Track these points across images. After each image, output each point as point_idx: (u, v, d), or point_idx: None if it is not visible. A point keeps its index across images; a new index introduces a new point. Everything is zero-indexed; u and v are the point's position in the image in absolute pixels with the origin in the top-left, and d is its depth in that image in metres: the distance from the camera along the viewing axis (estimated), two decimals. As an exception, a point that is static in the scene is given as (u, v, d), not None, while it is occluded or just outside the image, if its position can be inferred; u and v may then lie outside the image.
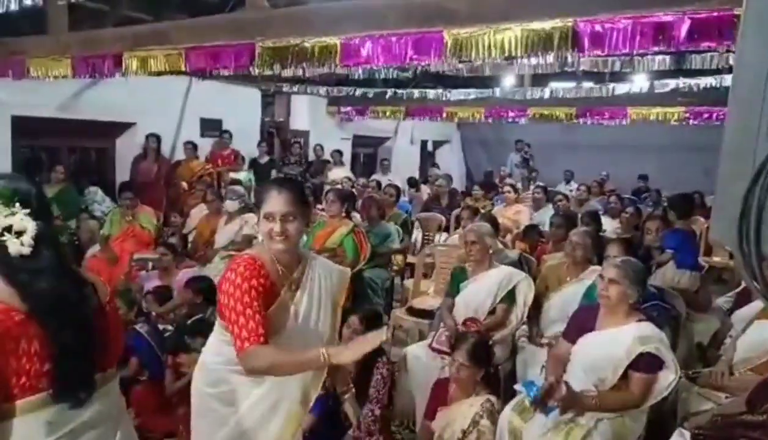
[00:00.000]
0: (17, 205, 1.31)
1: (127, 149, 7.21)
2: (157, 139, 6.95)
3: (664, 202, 7.06)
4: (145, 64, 4.32)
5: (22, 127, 5.99)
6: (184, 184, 6.98)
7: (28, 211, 1.31)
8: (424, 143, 13.14)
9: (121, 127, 7.12)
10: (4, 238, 1.28)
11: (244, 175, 7.63)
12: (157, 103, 7.02)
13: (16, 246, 1.28)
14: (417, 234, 6.49)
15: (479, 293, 3.54)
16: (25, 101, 5.74)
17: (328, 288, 2.03)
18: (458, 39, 3.13)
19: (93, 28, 4.92)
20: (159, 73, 4.47)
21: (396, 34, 3.34)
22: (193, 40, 4.11)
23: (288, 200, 1.85)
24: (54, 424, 1.29)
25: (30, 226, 1.31)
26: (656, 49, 2.86)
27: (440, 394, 2.90)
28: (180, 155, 7.38)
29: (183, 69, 4.27)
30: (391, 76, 7.06)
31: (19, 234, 1.29)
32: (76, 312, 1.32)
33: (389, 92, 8.62)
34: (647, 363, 2.46)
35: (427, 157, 13.18)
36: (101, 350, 1.38)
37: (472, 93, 8.39)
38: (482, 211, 6.05)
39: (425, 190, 8.96)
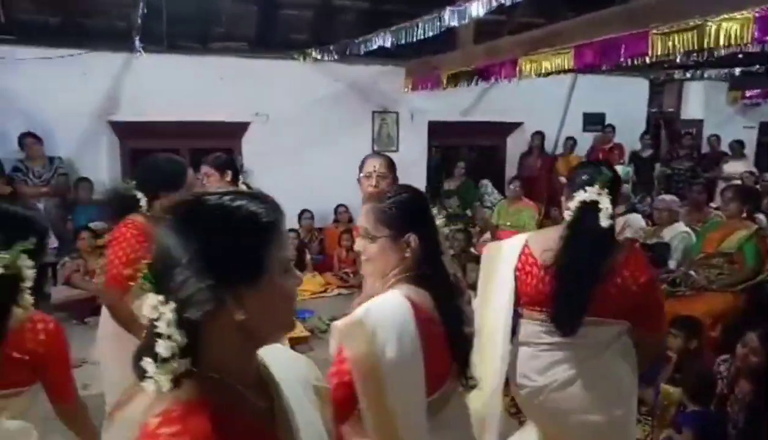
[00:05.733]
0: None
1: (515, 146, 7.86)
2: (541, 136, 7.40)
3: None
4: (537, 66, 4.66)
5: (435, 130, 7.22)
6: (563, 179, 7.17)
7: None
8: None
9: (510, 127, 7.80)
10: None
11: (622, 169, 7.36)
12: (542, 101, 7.42)
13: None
14: None
15: None
16: (438, 108, 6.90)
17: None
18: None
19: (493, 38, 5.53)
20: (548, 74, 4.75)
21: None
22: (584, 36, 4.21)
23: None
24: None
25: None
26: None
27: None
28: (561, 150, 7.67)
29: (572, 67, 4.43)
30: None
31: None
32: None
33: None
34: None
35: None
36: None
37: None
38: None
39: None
